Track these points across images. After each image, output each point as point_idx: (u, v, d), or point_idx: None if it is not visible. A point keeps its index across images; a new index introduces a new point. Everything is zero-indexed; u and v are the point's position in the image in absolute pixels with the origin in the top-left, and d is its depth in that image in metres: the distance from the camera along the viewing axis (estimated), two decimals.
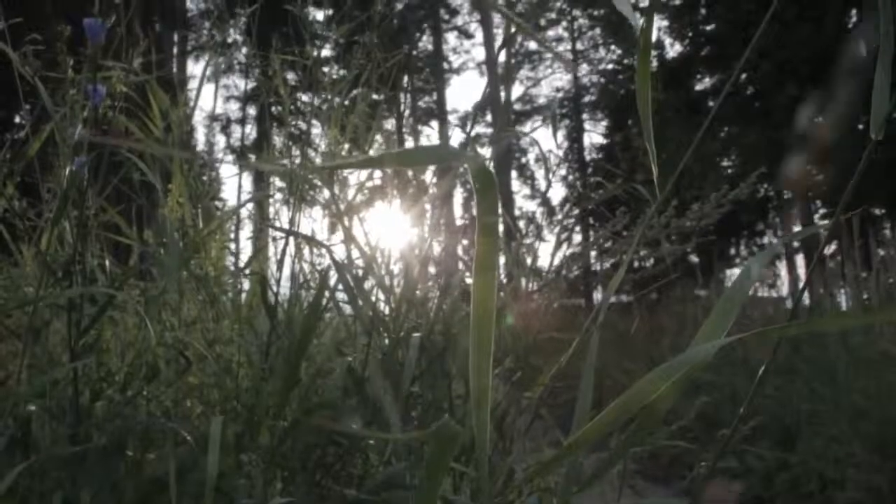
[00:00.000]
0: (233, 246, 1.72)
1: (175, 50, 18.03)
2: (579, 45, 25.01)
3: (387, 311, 1.36)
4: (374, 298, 1.34)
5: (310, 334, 1.09)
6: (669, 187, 1.05)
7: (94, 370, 1.06)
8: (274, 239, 1.43)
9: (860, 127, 12.31)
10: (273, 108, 1.64)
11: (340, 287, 1.29)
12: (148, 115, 1.31)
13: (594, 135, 24.21)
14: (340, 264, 1.25)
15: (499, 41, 23.82)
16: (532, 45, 25.14)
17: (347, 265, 1.40)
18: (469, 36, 24.98)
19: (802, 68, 12.21)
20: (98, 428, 0.96)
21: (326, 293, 1.41)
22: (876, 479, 2.84)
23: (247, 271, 1.54)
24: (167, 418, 1.04)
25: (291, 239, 1.56)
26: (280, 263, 1.35)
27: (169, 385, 1.08)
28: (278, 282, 1.43)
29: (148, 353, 1.07)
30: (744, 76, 14.66)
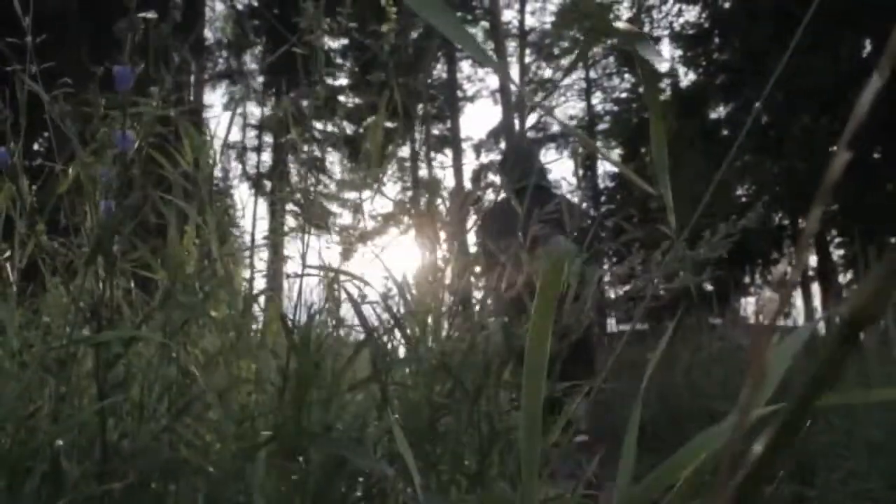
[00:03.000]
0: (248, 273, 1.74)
1: (192, 79, 18.27)
2: (593, 74, 25.17)
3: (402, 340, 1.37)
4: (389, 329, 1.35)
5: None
6: (693, 221, 1.06)
7: (122, 405, 1.08)
8: (290, 276, 1.45)
9: (875, 156, 12.29)
10: (287, 137, 1.66)
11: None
12: (176, 149, 1.34)
13: (608, 163, 24.28)
14: (356, 299, 1.26)
15: (513, 69, 23.96)
16: (546, 74, 25.33)
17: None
18: (483, 64, 25.11)
19: (817, 98, 12.22)
20: (125, 463, 0.98)
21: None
22: None
23: (262, 300, 1.55)
24: (193, 452, 1.05)
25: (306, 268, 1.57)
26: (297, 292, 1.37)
27: (197, 419, 1.10)
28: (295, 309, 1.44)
29: (174, 388, 1.09)
30: (757, 105, 14.69)
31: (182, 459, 1.02)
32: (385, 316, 1.38)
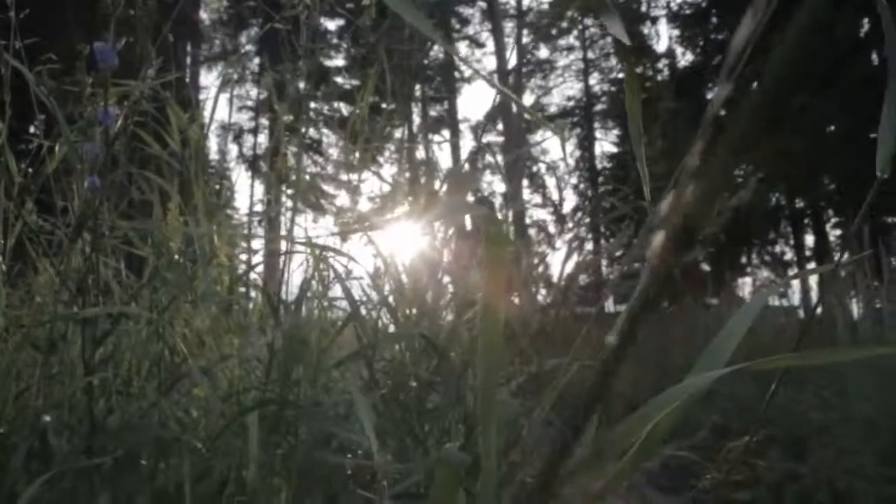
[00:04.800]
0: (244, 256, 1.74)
1: (188, 59, 18.17)
2: (590, 55, 25.06)
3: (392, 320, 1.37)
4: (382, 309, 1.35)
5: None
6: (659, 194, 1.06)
7: (111, 381, 1.08)
8: (286, 253, 1.45)
9: (872, 136, 12.25)
10: (274, 115, 1.65)
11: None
12: (164, 129, 1.34)
13: (605, 143, 24.24)
14: (342, 276, 1.27)
15: (510, 50, 23.86)
16: (543, 55, 25.23)
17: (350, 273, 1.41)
18: (480, 45, 25.07)
19: (814, 77, 12.18)
20: (113, 439, 0.98)
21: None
22: (887, 491, 2.83)
23: (253, 279, 1.55)
24: (181, 429, 1.06)
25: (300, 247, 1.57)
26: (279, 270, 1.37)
27: (184, 395, 1.10)
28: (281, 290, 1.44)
29: (162, 364, 1.09)
30: (754, 85, 14.62)
31: (173, 436, 1.02)
32: (375, 295, 1.38)
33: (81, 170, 1.05)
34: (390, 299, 1.28)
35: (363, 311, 1.28)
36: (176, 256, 1.24)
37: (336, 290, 1.43)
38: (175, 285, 1.16)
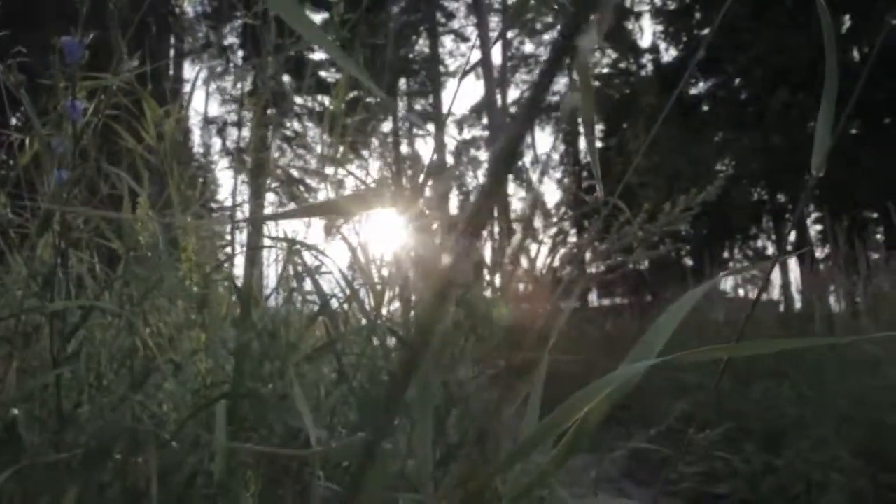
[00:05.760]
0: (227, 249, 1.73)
1: (172, 52, 18.03)
2: None
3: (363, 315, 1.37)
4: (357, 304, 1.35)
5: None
6: (621, 190, 1.07)
7: (84, 375, 1.08)
8: (259, 248, 1.45)
9: (853, 132, 12.38)
10: (268, 111, 1.65)
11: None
12: (141, 123, 1.34)
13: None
14: (312, 269, 1.27)
15: (495, 45, 23.86)
16: (528, 49, 25.25)
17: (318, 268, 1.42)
18: (465, 39, 25.03)
19: (795, 74, 12.28)
20: (84, 432, 0.98)
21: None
22: (860, 482, 2.87)
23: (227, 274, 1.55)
24: (155, 423, 1.06)
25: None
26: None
27: (157, 389, 1.11)
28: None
29: (133, 359, 1.10)
30: (737, 81, 14.75)
31: (143, 430, 1.02)
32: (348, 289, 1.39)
33: (51, 163, 1.05)
34: (361, 293, 1.28)
35: (335, 305, 1.28)
36: (147, 252, 1.24)
37: (310, 285, 1.43)
38: (144, 280, 1.16)
